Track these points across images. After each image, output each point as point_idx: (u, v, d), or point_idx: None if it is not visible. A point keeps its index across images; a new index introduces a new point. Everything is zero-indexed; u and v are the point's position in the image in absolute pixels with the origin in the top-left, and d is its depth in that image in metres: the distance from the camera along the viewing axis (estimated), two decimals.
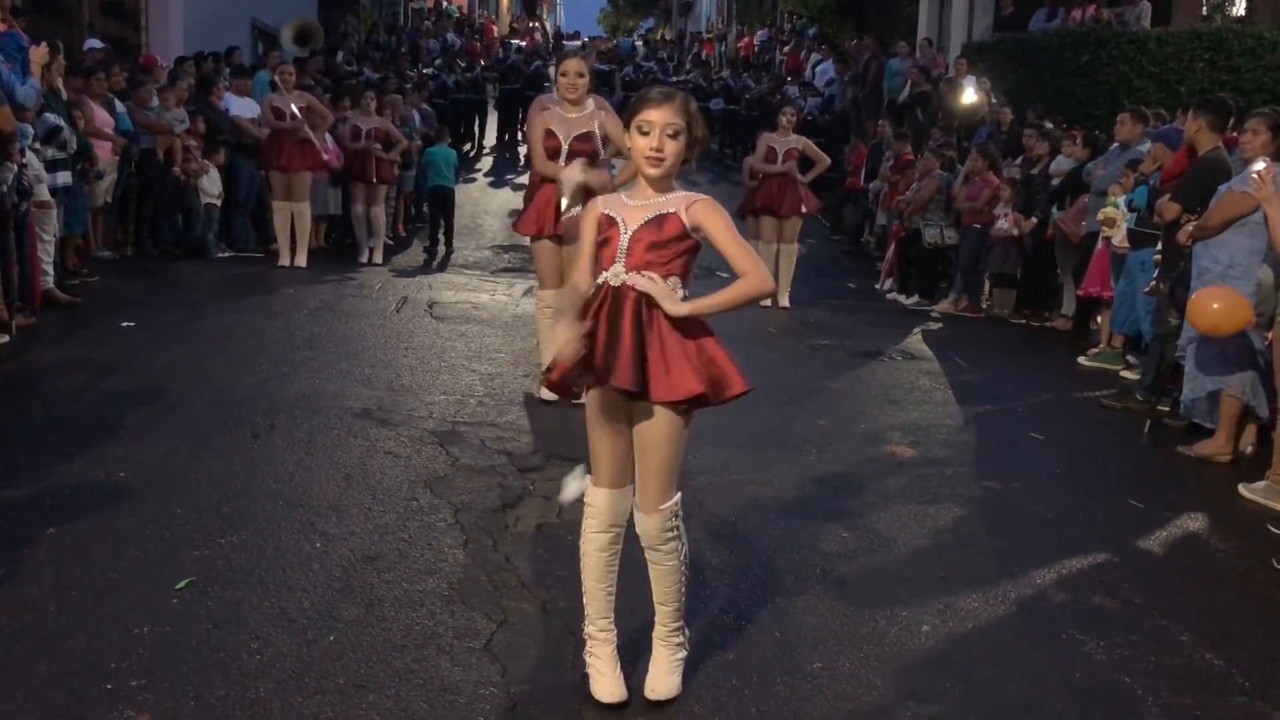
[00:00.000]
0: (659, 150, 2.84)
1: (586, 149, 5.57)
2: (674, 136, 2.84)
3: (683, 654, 3.11)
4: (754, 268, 2.86)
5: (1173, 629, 3.72)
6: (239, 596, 3.47)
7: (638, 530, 2.98)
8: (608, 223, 2.93)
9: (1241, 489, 5.09)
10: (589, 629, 3.07)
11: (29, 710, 2.83)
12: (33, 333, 6.55)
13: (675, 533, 2.97)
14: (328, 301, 8.15)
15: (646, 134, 2.84)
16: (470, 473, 4.72)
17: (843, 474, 5.11)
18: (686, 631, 3.14)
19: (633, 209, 2.91)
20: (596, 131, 5.59)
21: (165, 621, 3.29)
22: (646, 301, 2.85)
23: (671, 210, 2.87)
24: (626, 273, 2.87)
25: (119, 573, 3.58)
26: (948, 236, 10.28)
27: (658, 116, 2.83)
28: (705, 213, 2.86)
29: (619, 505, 3.00)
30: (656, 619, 3.09)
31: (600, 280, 2.92)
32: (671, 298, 2.85)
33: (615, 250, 2.89)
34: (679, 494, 2.99)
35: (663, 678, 3.05)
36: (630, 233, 2.88)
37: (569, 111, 5.65)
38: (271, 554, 3.79)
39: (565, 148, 5.57)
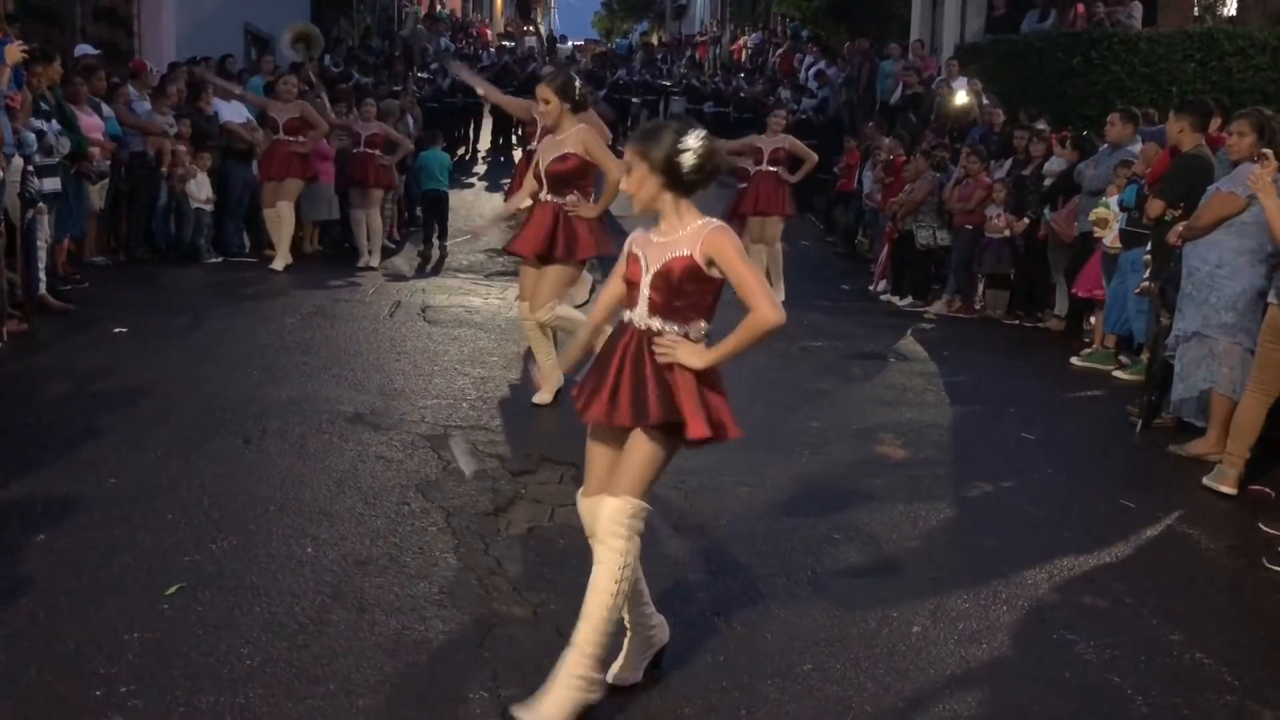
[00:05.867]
0: (628, 186, 2.97)
1: (563, 169, 5.51)
2: (632, 171, 2.95)
3: (580, 697, 2.85)
4: (761, 301, 2.85)
5: (1163, 628, 3.73)
6: (230, 602, 3.48)
7: (588, 517, 3.01)
8: (632, 261, 2.99)
9: (1206, 481, 5.17)
10: None
11: (18, 717, 2.83)
12: (25, 339, 6.54)
13: (626, 533, 2.91)
14: (320, 306, 8.14)
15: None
16: (462, 477, 4.72)
17: (835, 475, 5.12)
18: (595, 677, 2.90)
19: (654, 246, 2.97)
20: (576, 151, 5.48)
21: (155, 627, 3.29)
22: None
23: (685, 251, 2.90)
24: (649, 316, 2.94)
25: (109, 579, 3.58)
26: (940, 238, 10.29)
27: (628, 154, 2.97)
28: (715, 244, 2.88)
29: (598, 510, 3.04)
30: (572, 638, 2.91)
31: (626, 318, 3.00)
32: (693, 353, 2.89)
33: (638, 293, 2.96)
34: (647, 507, 2.97)
35: (547, 705, 2.84)
36: (651, 274, 2.93)
37: (558, 134, 5.57)
38: (262, 559, 3.79)
39: (543, 172, 5.54)
